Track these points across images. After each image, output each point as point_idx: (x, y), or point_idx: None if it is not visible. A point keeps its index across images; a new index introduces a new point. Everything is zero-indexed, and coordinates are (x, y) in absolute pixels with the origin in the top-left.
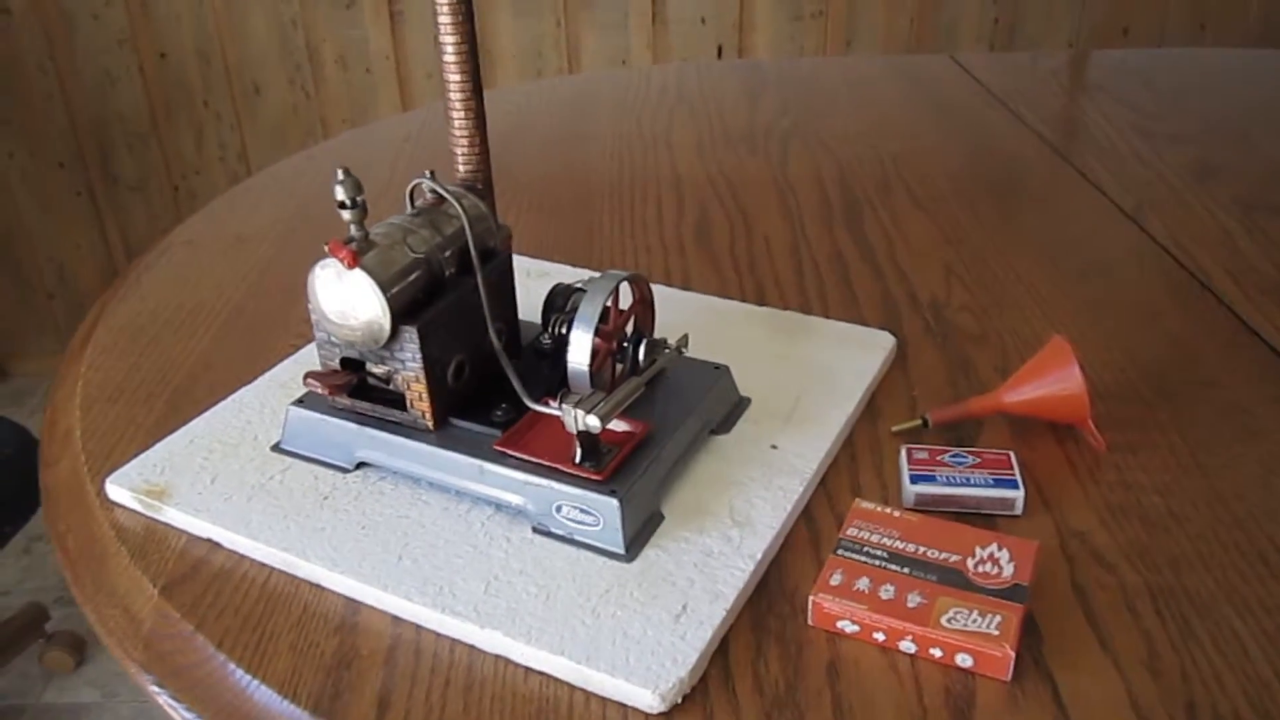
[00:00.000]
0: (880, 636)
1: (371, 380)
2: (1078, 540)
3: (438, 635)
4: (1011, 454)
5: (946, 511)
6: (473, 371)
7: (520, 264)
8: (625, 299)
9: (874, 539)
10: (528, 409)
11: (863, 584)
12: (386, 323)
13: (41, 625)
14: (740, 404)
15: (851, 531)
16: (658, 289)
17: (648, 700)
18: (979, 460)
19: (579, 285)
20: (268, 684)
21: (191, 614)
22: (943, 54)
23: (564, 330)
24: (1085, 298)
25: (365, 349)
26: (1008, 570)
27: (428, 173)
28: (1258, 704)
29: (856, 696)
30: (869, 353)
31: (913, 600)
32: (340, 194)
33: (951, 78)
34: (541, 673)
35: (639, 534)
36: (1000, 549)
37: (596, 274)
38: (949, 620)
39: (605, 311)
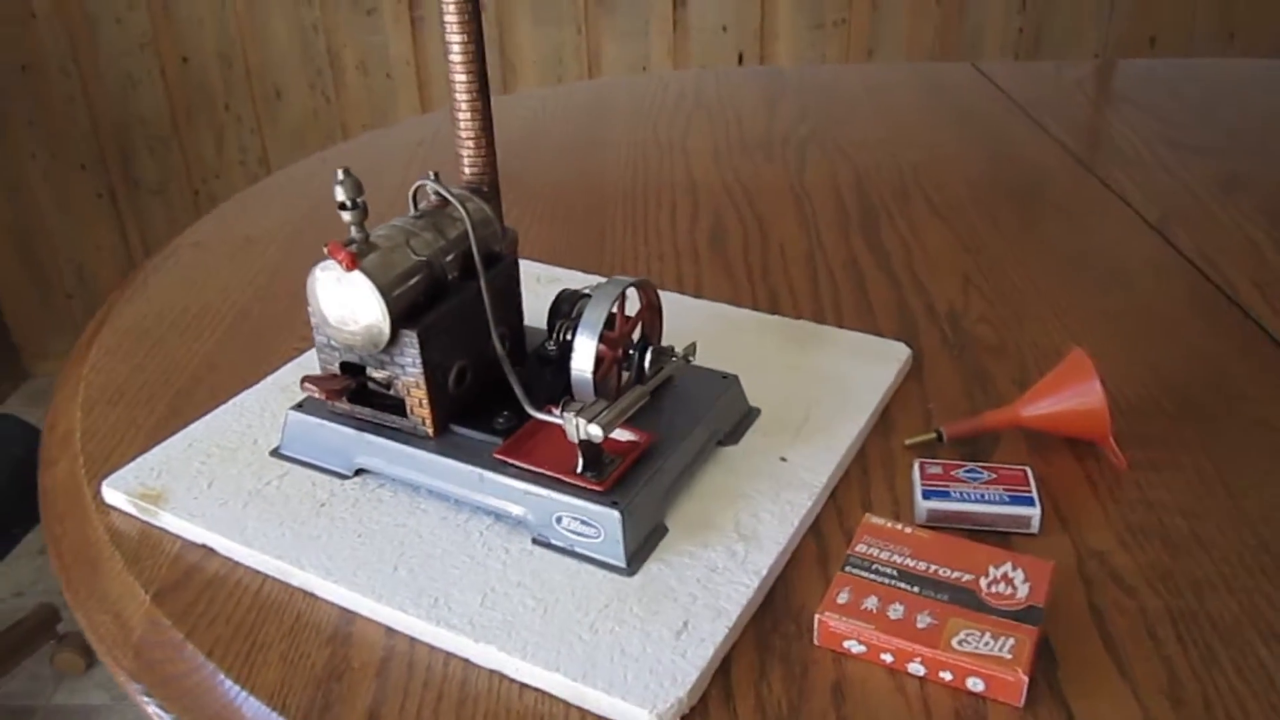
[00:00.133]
0: (888, 658)
1: (372, 385)
2: (1096, 561)
3: (432, 648)
4: (1028, 470)
5: (960, 528)
6: (475, 378)
7: (531, 269)
8: (632, 305)
9: (884, 556)
10: (530, 417)
11: (871, 603)
12: (386, 326)
13: (53, 627)
14: (749, 415)
15: (860, 548)
16: (668, 296)
17: None
18: (994, 476)
19: (586, 291)
20: (256, 695)
21: (182, 622)
22: (965, 62)
23: (569, 336)
24: (1107, 310)
25: (365, 353)
26: (1022, 591)
27: (431, 174)
28: None
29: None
30: (883, 364)
31: (922, 621)
32: (340, 194)
33: (974, 86)
34: (537, 689)
35: (641, 547)
36: (1015, 569)
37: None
38: (960, 642)
39: (611, 318)
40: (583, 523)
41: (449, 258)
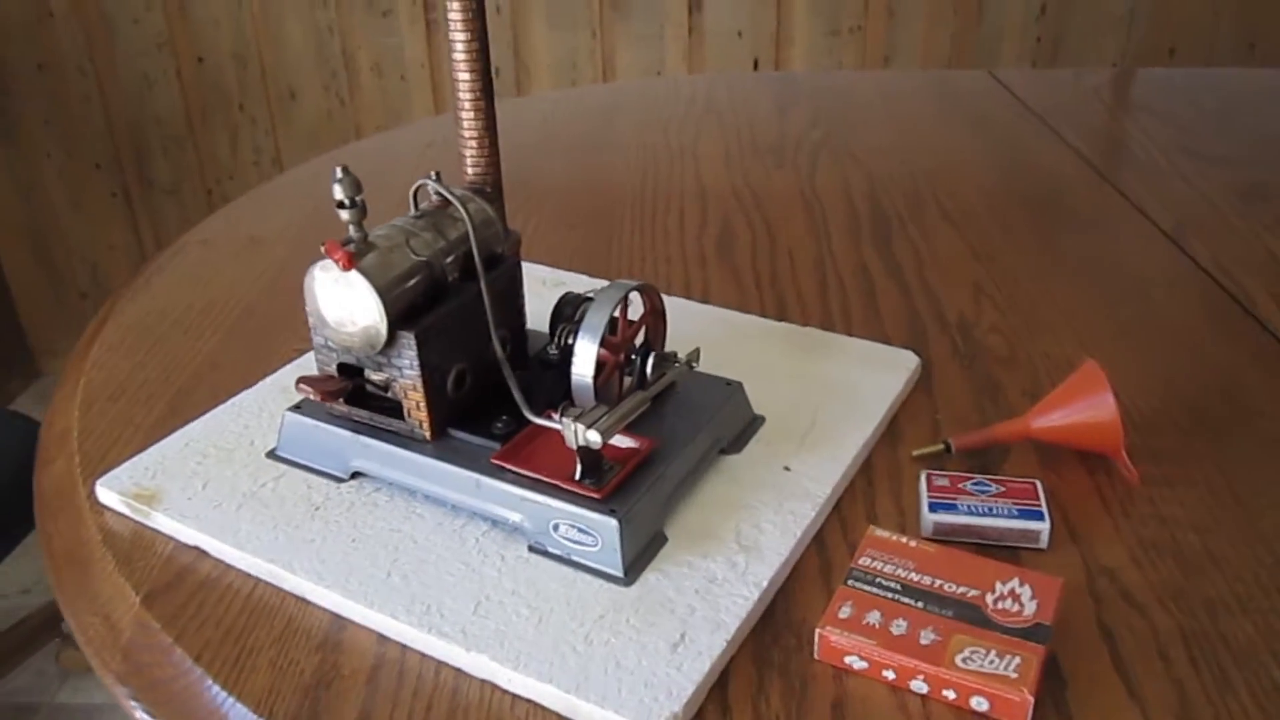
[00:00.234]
0: (890, 675)
1: (370, 387)
2: (1106, 578)
3: (423, 656)
4: (1038, 483)
5: (966, 542)
6: (474, 381)
7: (536, 272)
8: (635, 309)
9: (888, 570)
10: (529, 422)
11: (873, 618)
12: (384, 328)
13: (59, 624)
14: (753, 423)
15: (864, 561)
16: (673, 301)
17: None
18: (1003, 489)
19: (589, 294)
20: (243, 701)
21: (172, 625)
22: (981, 69)
23: (570, 340)
24: (1121, 321)
25: (363, 354)
26: (1029, 608)
27: (432, 174)
28: None
29: None
30: (892, 373)
31: (926, 637)
32: (338, 193)
33: (989, 93)
34: (529, 700)
35: (639, 557)
36: (1022, 585)
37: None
38: (964, 660)
39: (613, 322)
40: (580, 530)
41: (449, 259)
